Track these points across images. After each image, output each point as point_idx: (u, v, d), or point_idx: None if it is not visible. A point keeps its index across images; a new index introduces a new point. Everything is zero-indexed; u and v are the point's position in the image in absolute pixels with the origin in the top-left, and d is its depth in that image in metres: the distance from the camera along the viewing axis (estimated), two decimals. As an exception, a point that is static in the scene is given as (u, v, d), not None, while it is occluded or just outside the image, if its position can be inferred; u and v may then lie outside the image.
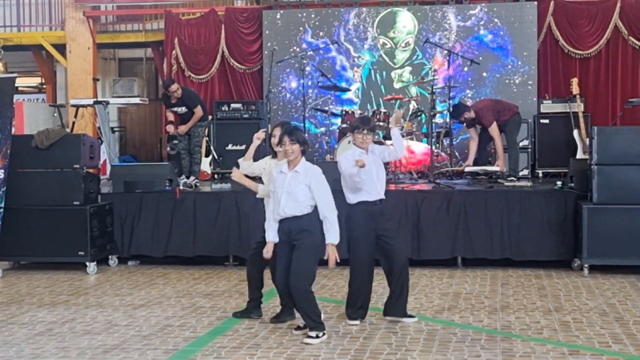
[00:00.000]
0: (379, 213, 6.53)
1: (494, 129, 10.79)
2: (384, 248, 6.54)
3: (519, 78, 13.03)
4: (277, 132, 6.38)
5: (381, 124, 11.32)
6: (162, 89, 12.91)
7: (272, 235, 6.18)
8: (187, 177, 10.96)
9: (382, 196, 6.57)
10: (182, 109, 11.20)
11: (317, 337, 6.02)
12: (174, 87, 11.15)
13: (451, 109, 11.29)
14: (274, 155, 6.60)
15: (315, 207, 6.10)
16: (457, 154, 11.98)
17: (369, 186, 6.47)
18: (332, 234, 6.07)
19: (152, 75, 17.52)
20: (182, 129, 11.09)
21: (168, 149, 11.75)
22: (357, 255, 6.54)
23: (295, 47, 13.65)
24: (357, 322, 6.59)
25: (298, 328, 6.32)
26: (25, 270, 9.58)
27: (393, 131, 6.88)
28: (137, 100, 14.25)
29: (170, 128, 11.36)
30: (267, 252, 6.20)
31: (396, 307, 6.62)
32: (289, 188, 6.07)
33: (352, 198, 6.52)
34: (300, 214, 6.07)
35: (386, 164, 10.78)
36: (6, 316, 7.13)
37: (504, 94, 12.76)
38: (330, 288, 8.17)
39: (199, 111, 11.13)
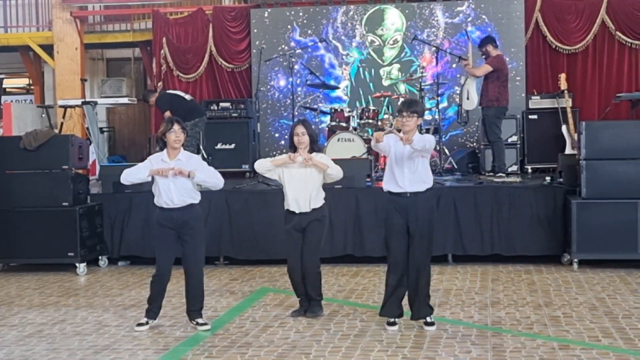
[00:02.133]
0: (409, 206, 6.23)
1: (483, 68, 10.56)
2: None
3: (507, 74, 13.04)
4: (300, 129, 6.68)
5: (370, 121, 11.33)
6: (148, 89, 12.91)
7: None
8: None
9: (412, 189, 6.23)
10: (167, 113, 11.31)
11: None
12: (151, 101, 11.54)
13: (483, 37, 11.14)
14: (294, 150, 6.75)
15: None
16: (446, 150, 11.99)
17: (397, 176, 6.26)
18: None
19: (140, 75, 17.47)
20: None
21: (157, 149, 11.73)
22: (387, 249, 6.39)
23: (283, 46, 13.64)
24: (395, 327, 6.31)
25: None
26: (14, 272, 9.55)
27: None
28: (125, 100, 14.22)
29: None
30: None
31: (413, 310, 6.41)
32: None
33: (384, 185, 6.36)
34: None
35: (376, 161, 10.92)
36: (-4, 318, 7.12)
37: (493, 90, 12.75)
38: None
39: (167, 116, 11.23)
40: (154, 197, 6.56)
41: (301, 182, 6.67)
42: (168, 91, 12.37)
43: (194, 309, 6.56)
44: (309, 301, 6.78)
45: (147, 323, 6.57)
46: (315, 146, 6.76)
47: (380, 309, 6.42)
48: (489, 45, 10.67)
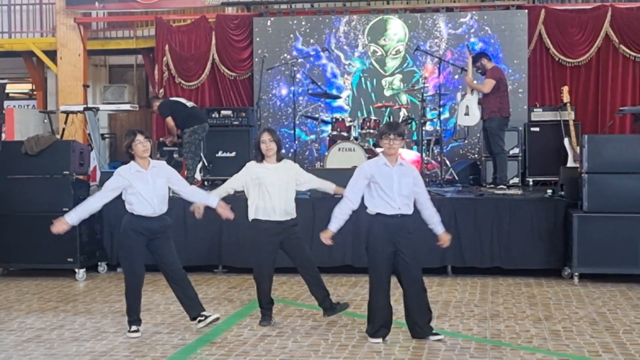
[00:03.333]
0: (399, 227, 6.20)
1: (488, 84, 10.42)
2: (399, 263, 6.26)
3: (509, 86, 12.97)
4: (266, 137, 6.76)
5: (371, 131, 11.31)
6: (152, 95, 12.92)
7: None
8: None
9: (403, 211, 6.19)
10: (169, 120, 11.35)
11: None
12: (154, 106, 11.58)
13: (475, 53, 11.10)
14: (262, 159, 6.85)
15: None
16: (447, 161, 11.98)
17: (389, 198, 6.18)
18: None
19: (142, 82, 17.48)
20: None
21: (158, 155, 11.74)
22: (372, 268, 6.33)
23: (285, 54, 13.65)
24: (379, 340, 6.24)
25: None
26: (14, 277, 9.54)
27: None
28: (127, 106, 14.20)
29: (167, 139, 11.74)
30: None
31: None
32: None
33: (370, 208, 6.29)
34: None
35: None
36: (-6, 323, 7.10)
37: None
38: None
39: (167, 122, 11.37)
40: (127, 205, 6.54)
41: (283, 190, 6.76)
42: (170, 98, 12.38)
43: (192, 303, 6.55)
44: (323, 303, 6.86)
45: (137, 330, 6.57)
46: (281, 153, 6.90)
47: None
48: (483, 59, 10.73)
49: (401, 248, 6.19)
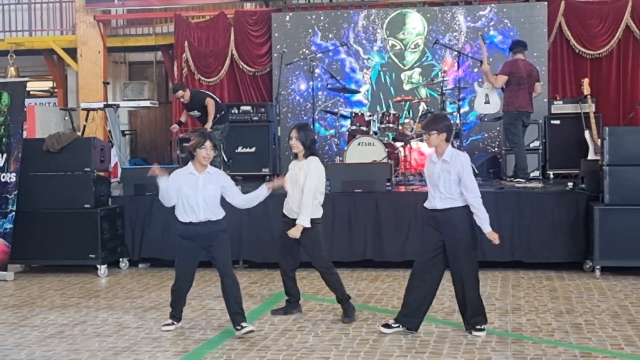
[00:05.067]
0: (438, 220, 6.19)
1: (499, 79, 10.25)
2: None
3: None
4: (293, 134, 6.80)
5: (390, 125, 11.30)
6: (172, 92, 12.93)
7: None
8: None
9: (437, 206, 6.18)
10: (196, 113, 11.27)
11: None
12: (180, 93, 11.22)
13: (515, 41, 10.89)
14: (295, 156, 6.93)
15: None
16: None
17: (429, 193, 6.30)
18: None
19: (162, 79, 17.55)
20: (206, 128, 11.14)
21: (178, 151, 11.79)
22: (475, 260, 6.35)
23: (304, 49, 13.65)
24: (396, 326, 6.31)
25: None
26: (36, 273, 9.62)
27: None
28: (147, 103, 14.29)
29: (175, 128, 11.55)
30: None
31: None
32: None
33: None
34: None
35: (396, 166, 10.88)
36: (18, 319, 7.16)
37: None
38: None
39: (209, 103, 11.09)
40: (176, 211, 6.50)
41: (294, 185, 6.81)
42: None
43: (233, 311, 6.41)
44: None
45: (172, 324, 6.62)
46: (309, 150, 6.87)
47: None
48: (513, 51, 10.52)
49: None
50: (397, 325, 6.33)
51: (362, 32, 13.67)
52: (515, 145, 10.35)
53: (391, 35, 13.58)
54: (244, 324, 6.33)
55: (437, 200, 6.19)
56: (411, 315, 6.29)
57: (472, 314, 6.25)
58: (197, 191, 6.39)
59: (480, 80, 11.21)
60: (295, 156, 6.89)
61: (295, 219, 6.71)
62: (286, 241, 6.85)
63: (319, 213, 6.79)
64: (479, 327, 6.25)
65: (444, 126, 6.21)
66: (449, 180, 6.13)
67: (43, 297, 8.20)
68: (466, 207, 6.16)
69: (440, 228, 6.18)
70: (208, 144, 6.39)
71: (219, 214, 6.49)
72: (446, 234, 6.17)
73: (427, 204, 6.32)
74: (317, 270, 6.96)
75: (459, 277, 6.24)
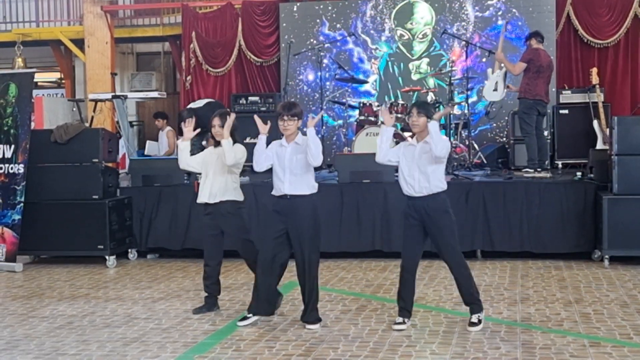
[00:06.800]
0: (420, 208, 6.24)
1: (518, 66, 10.30)
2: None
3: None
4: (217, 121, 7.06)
5: (399, 115, 11.27)
6: (181, 83, 12.93)
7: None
8: None
9: (415, 193, 6.26)
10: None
11: None
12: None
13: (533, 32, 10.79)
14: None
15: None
16: (475, 145, 11.90)
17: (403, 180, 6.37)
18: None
19: (170, 69, 17.56)
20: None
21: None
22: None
23: (312, 40, 13.63)
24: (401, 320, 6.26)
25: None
26: (45, 264, 9.65)
27: (432, 123, 6.25)
28: (155, 94, 14.27)
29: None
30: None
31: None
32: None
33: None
34: None
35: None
36: (27, 310, 7.18)
37: (523, 84, 12.64)
38: (349, 280, 8.16)
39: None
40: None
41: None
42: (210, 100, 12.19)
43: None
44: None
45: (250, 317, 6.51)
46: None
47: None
48: (531, 40, 10.42)
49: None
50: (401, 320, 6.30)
51: (370, 22, 13.62)
52: (527, 135, 10.33)
53: (399, 25, 13.53)
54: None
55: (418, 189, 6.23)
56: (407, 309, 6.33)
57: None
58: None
59: (491, 67, 11.13)
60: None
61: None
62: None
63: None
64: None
65: (431, 114, 6.27)
66: (431, 159, 6.17)
67: (52, 288, 8.23)
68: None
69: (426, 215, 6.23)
70: (285, 115, 6.74)
71: (305, 190, 6.56)
72: (431, 221, 6.22)
73: (408, 191, 6.31)
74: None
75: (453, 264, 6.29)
